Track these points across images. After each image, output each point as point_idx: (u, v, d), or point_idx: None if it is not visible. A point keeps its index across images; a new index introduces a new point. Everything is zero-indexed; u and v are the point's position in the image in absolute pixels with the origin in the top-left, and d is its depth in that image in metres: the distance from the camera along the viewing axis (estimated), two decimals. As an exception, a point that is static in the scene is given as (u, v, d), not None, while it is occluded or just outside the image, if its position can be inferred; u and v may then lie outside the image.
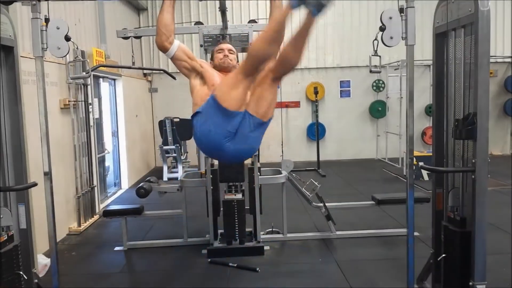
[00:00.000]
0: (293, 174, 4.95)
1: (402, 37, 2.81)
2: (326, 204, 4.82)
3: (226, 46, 2.95)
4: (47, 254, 4.22)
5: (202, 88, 2.73)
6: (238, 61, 3.02)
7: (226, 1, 3.89)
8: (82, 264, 4.45)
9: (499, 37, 10.05)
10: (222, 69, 2.88)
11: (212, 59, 2.98)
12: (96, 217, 5.86)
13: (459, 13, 2.73)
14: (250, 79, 2.39)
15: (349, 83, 10.47)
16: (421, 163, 3.43)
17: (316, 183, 4.79)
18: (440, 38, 3.04)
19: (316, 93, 9.81)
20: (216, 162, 4.63)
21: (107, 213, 4.76)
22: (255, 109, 2.41)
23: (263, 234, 4.78)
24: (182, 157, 8.55)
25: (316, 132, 9.73)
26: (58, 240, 4.13)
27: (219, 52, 2.91)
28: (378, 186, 7.36)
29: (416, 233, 3.72)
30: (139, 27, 9.19)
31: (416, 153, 7.12)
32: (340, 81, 10.47)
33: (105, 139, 7.19)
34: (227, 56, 2.88)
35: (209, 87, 2.71)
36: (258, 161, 4.61)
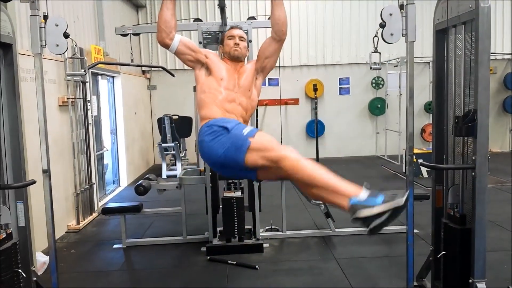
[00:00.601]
0: (293, 172, 4.94)
1: (402, 34, 2.79)
2: (326, 201, 4.80)
3: (237, 32, 2.91)
4: (45, 252, 4.22)
5: (208, 79, 2.75)
6: (248, 48, 3.01)
7: (225, -3, 3.88)
8: (81, 261, 4.44)
9: (498, 34, 10.06)
10: (232, 58, 2.87)
11: (221, 43, 2.96)
12: (95, 214, 5.85)
13: (460, 10, 2.72)
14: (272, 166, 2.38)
15: (348, 80, 10.46)
16: (420, 160, 3.42)
17: (315, 181, 4.77)
18: (440, 35, 3.03)
19: (315, 90, 9.80)
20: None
21: (106, 211, 4.76)
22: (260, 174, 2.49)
23: (262, 232, 4.78)
24: (181, 155, 8.55)
25: (315, 129, 9.72)
26: (56, 238, 4.13)
27: (230, 39, 2.89)
28: (377, 183, 7.36)
29: (415, 231, 3.72)
30: (138, 24, 9.15)
31: (415, 150, 7.11)
32: (339, 78, 10.45)
33: (103, 136, 7.17)
34: (238, 44, 2.85)
35: (217, 80, 2.72)
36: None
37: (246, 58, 3.02)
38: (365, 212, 2.10)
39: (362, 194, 2.14)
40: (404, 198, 2.09)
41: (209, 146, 2.46)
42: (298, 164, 2.21)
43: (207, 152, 2.49)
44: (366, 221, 2.11)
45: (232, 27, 3.03)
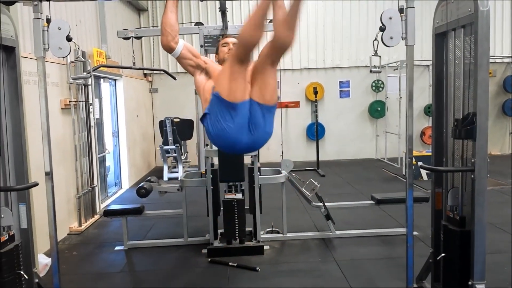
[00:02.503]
0: (293, 174, 4.97)
1: (402, 37, 2.82)
2: (326, 203, 4.83)
3: (231, 39, 2.94)
4: (47, 254, 4.24)
5: (208, 83, 2.76)
6: None
7: (226, 1, 3.90)
8: (83, 263, 4.46)
9: (498, 37, 10.08)
10: None
11: (217, 53, 3.00)
12: (96, 216, 5.87)
13: (459, 13, 2.74)
14: (245, 67, 2.40)
15: (348, 83, 10.48)
16: (420, 163, 3.44)
17: (315, 183, 4.80)
18: (440, 38, 3.05)
19: (315, 93, 9.83)
20: (216, 162, 4.64)
21: (107, 213, 4.77)
22: (260, 96, 2.42)
23: (263, 234, 4.79)
24: (182, 157, 8.56)
25: (315, 132, 9.74)
26: (58, 239, 4.14)
27: (224, 46, 2.92)
28: (377, 185, 7.37)
29: (415, 233, 3.74)
30: (140, 28, 9.18)
31: (415, 153, 7.13)
32: (340, 81, 10.47)
33: (105, 139, 7.19)
34: (232, 49, 2.89)
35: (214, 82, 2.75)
36: (258, 161, 4.62)
37: None
38: None
39: None
40: None
41: (214, 131, 2.47)
42: (239, 35, 2.39)
43: (214, 137, 2.51)
44: None
45: (225, 36, 3.08)
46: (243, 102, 2.38)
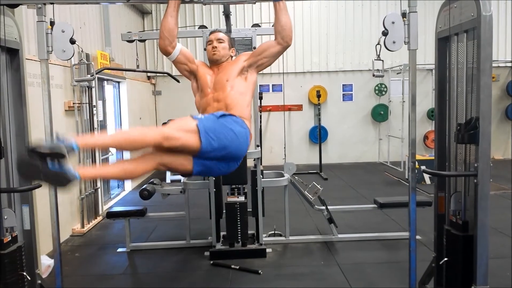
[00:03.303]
0: (296, 177, 4.97)
1: (404, 42, 2.82)
2: (329, 207, 4.82)
3: (214, 35, 2.93)
4: (50, 255, 4.25)
5: (198, 92, 2.82)
6: (233, 46, 3.01)
7: (230, 5, 3.90)
8: (85, 265, 4.46)
9: (501, 42, 10.05)
10: (213, 62, 2.91)
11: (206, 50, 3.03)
12: (99, 218, 5.88)
13: (462, 18, 2.74)
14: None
15: (351, 87, 10.47)
16: (423, 167, 3.44)
17: (318, 186, 4.80)
18: (443, 43, 3.05)
19: (318, 96, 9.84)
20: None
21: (110, 215, 4.78)
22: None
23: (266, 237, 4.79)
24: (185, 160, 8.55)
25: (318, 135, 9.74)
26: (61, 241, 4.15)
27: (209, 44, 2.92)
28: (380, 189, 7.36)
29: (418, 237, 3.74)
30: (144, 31, 9.23)
31: (418, 157, 7.12)
32: (343, 85, 10.47)
33: (108, 141, 7.19)
34: (216, 47, 2.87)
35: (204, 90, 2.78)
36: (261, 164, 4.63)
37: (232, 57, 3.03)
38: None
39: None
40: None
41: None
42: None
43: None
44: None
45: (211, 32, 3.03)
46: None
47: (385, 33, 2.81)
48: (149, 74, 10.06)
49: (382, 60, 3.14)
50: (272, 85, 10.14)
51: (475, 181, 2.64)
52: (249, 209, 4.58)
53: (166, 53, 2.73)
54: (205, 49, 4.44)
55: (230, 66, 2.83)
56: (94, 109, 5.95)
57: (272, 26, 2.88)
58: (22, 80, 2.91)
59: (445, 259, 2.95)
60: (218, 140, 2.42)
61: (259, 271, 4.04)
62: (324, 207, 4.82)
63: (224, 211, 4.52)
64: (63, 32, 2.81)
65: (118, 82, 7.93)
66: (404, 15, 2.80)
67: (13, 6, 2.86)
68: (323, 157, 9.51)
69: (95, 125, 5.97)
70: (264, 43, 2.85)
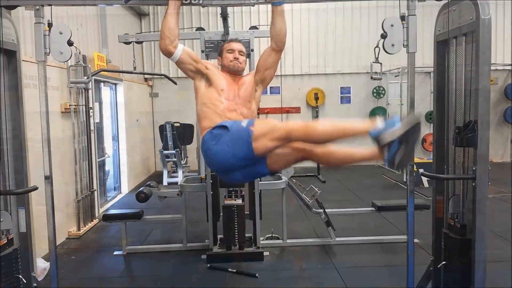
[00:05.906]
0: (293, 180, 4.96)
1: (403, 45, 2.81)
2: (326, 210, 4.81)
3: (237, 46, 2.93)
4: (46, 258, 4.22)
5: (208, 90, 2.76)
6: (246, 59, 3.05)
7: (228, 7, 3.90)
8: (81, 268, 4.44)
9: (499, 45, 10.08)
10: (231, 71, 2.89)
11: (220, 55, 2.98)
12: (95, 221, 5.85)
13: (460, 21, 2.74)
14: (285, 145, 2.41)
15: (349, 89, 10.49)
16: (421, 170, 3.43)
17: (316, 189, 4.79)
18: (441, 46, 3.05)
19: (316, 99, 9.84)
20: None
21: (106, 217, 4.76)
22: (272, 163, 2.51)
23: (263, 240, 4.77)
24: (182, 162, 8.55)
25: (316, 138, 9.72)
26: (57, 244, 4.12)
27: (229, 52, 2.90)
28: (378, 192, 7.36)
29: (416, 240, 3.72)
30: (141, 32, 9.21)
31: (416, 160, 7.12)
32: (341, 87, 10.48)
33: (105, 143, 7.19)
34: (238, 58, 2.88)
35: (217, 91, 2.74)
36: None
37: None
38: (388, 137, 2.19)
39: (378, 124, 2.22)
40: (415, 114, 2.22)
41: (216, 151, 2.46)
42: (307, 127, 2.28)
43: (215, 158, 2.49)
44: (391, 147, 2.19)
45: (231, 40, 3.04)
46: (258, 158, 2.44)
47: (384, 36, 2.80)
48: (146, 76, 10.04)
49: (381, 63, 3.13)
50: (270, 87, 10.11)
51: (473, 184, 2.63)
52: (247, 212, 4.57)
53: (168, 54, 2.69)
54: (202, 51, 4.46)
55: (250, 85, 2.86)
56: (91, 111, 5.93)
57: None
58: (19, 81, 2.90)
59: (443, 262, 2.94)
60: None
61: (257, 275, 4.02)
62: (321, 210, 4.81)
63: (221, 214, 4.50)
64: (61, 34, 2.79)
65: (115, 84, 7.91)
66: (403, 18, 2.79)
67: (11, 7, 2.84)
68: (321, 160, 9.47)
69: (92, 127, 5.94)
70: (261, 56, 2.90)
